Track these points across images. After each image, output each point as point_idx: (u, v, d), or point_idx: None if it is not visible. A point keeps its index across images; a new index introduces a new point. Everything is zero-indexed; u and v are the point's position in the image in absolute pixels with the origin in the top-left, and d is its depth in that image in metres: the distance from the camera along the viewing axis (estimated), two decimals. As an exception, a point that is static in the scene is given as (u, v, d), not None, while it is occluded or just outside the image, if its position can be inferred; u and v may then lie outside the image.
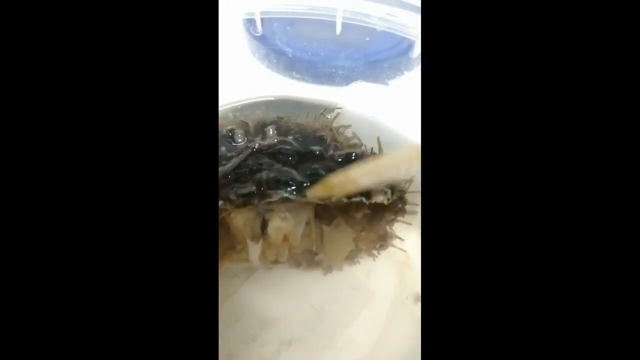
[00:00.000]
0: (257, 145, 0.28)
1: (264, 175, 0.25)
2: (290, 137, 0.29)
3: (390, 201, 0.26)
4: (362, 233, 0.28)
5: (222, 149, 0.28)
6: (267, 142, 0.28)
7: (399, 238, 0.29)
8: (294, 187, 0.25)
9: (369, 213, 0.27)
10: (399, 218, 0.28)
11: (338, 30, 0.36)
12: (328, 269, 0.30)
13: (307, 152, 0.28)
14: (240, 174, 0.26)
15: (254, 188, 0.25)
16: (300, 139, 0.28)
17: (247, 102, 0.38)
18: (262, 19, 0.39)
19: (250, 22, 0.40)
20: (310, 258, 0.29)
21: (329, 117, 0.32)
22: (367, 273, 0.30)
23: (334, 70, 0.40)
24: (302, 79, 0.40)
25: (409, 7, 0.33)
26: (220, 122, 0.31)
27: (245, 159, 0.27)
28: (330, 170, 0.26)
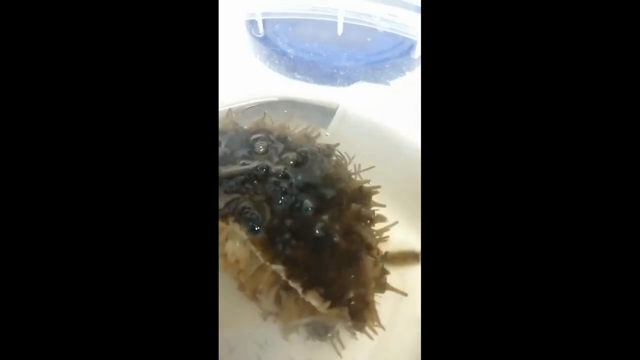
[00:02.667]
0: (264, 167, 0.26)
1: (239, 199, 0.24)
2: (299, 176, 0.26)
3: (329, 311, 0.22)
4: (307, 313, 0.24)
5: (242, 152, 0.27)
6: (275, 169, 0.26)
7: (342, 345, 0.25)
8: (256, 231, 0.24)
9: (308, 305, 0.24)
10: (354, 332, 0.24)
11: (340, 31, 0.36)
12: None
13: (297, 203, 0.25)
14: (229, 185, 0.25)
15: (223, 205, 0.24)
16: (303, 187, 0.26)
17: (248, 103, 0.38)
18: (263, 20, 0.39)
19: (252, 24, 0.40)
20: (254, 291, 0.27)
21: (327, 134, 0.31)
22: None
23: (335, 70, 0.40)
24: (304, 80, 0.40)
25: (411, 7, 0.33)
26: (249, 130, 0.29)
27: (245, 173, 0.26)
28: (301, 238, 0.23)
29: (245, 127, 0.30)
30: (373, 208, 0.27)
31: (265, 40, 0.41)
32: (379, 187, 0.27)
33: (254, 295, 0.26)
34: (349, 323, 0.23)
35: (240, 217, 0.24)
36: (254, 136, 0.29)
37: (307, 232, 0.24)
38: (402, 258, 0.26)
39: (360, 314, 0.23)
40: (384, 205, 0.27)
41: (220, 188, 0.26)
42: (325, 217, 0.24)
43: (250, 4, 0.36)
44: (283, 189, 0.25)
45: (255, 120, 0.30)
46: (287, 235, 0.23)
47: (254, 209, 0.24)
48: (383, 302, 0.27)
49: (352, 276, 0.23)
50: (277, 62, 0.41)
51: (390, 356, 0.26)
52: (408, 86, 0.39)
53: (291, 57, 0.40)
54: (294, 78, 0.41)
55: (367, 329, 0.23)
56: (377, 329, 0.24)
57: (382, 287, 0.25)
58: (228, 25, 0.37)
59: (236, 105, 0.37)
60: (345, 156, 0.29)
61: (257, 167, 0.26)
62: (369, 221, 0.25)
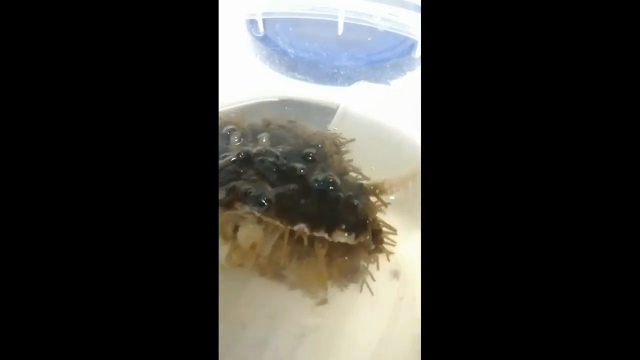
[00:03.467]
0: (244, 152, 0.28)
1: (237, 184, 0.26)
2: (280, 148, 0.29)
3: (357, 241, 0.26)
4: (333, 263, 0.27)
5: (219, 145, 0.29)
6: (255, 150, 0.28)
7: (372, 277, 0.28)
8: (264, 204, 0.25)
9: (336, 249, 0.27)
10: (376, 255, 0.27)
11: (340, 31, 0.36)
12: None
13: (289, 169, 0.28)
14: (221, 177, 0.27)
15: (224, 194, 0.26)
16: (287, 155, 0.28)
17: (249, 102, 0.38)
18: (264, 20, 0.39)
19: (252, 23, 0.40)
20: (276, 270, 0.28)
21: (335, 130, 0.33)
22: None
23: (336, 70, 0.40)
24: (305, 80, 0.40)
25: (411, 6, 0.33)
26: (220, 121, 0.31)
27: (230, 163, 0.27)
28: (307, 196, 0.26)
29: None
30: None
31: (265, 40, 0.41)
32: (353, 139, 0.31)
33: (278, 275, 0.28)
34: (372, 247, 0.26)
35: (246, 198, 0.26)
36: (225, 129, 0.31)
37: (308, 188, 0.27)
38: (402, 183, 0.29)
39: (378, 236, 0.27)
40: (352, 139, 0.31)
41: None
42: (317, 172, 0.27)
43: (250, 3, 0.36)
44: (271, 161, 0.27)
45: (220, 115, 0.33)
46: (294, 197, 0.26)
47: (255, 187, 0.26)
48: (383, 302, 0.27)
49: (361, 206, 0.26)
50: (277, 61, 0.41)
51: (390, 356, 0.26)
52: (408, 86, 0.39)
53: (291, 56, 0.40)
54: (295, 78, 0.40)
55: (384, 247, 0.27)
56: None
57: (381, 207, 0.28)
58: (228, 24, 0.37)
59: (236, 105, 0.37)
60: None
61: (238, 154, 0.28)
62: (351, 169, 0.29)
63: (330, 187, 0.27)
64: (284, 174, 0.27)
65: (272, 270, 0.28)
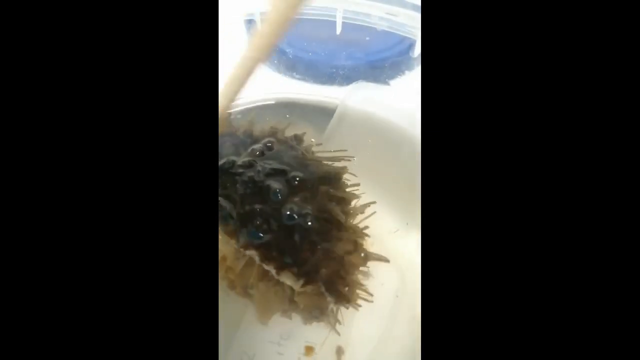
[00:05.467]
0: (230, 161, 0.27)
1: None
2: (267, 163, 0.26)
3: (304, 289, 0.23)
4: (303, 295, 0.25)
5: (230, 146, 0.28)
6: (241, 161, 0.27)
7: (338, 321, 0.26)
8: (229, 220, 0.24)
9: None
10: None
11: (338, 30, 0.36)
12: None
13: (264, 188, 0.25)
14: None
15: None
16: (270, 173, 0.26)
17: (248, 103, 0.38)
18: (262, 20, 0.39)
19: (250, 23, 0.40)
20: (245, 287, 0.27)
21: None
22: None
23: (334, 70, 0.40)
24: (303, 79, 0.40)
25: (410, 6, 0.33)
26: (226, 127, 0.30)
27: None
28: (272, 221, 0.24)
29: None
30: (349, 189, 0.27)
31: (263, 40, 0.40)
32: (346, 167, 0.28)
33: (246, 292, 0.27)
34: (329, 299, 0.24)
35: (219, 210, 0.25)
36: (223, 137, 0.29)
37: (278, 216, 0.24)
38: (376, 258, 0.26)
39: (335, 288, 0.24)
40: (357, 184, 0.28)
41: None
42: (296, 199, 0.25)
43: (248, 3, 0.36)
44: (249, 177, 0.25)
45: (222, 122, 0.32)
46: (258, 221, 0.24)
47: (224, 201, 0.25)
48: (383, 302, 0.27)
49: (322, 253, 0.24)
50: (276, 61, 0.41)
51: (390, 356, 0.26)
52: (407, 85, 0.39)
53: (290, 56, 0.40)
54: (293, 77, 0.40)
55: (353, 303, 0.24)
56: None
57: (363, 259, 0.25)
58: (226, 24, 0.37)
59: (236, 105, 0.37)
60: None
61: (224, 163, 0.27)
62: (338, 201, 0.26)
63: (301, 223, 0.24)
64: (259, 192, 0.25)
65: (241, 286, 0.27)
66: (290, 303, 0.25)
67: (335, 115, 0.35)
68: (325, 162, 0.28)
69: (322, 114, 0.36)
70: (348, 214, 0.26)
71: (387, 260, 0.26)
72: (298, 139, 0.30)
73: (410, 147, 0.33)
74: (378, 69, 0.40)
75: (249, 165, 0.26)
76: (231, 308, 0.27)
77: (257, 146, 0.28)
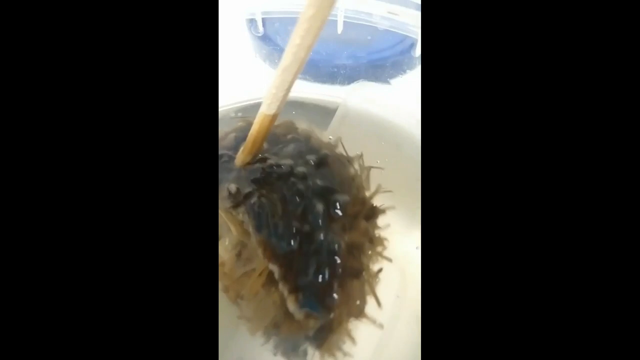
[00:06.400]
0: (276, 164, 0.26)
1: (254, 194, 0.24)
2: (302, 168, 0.25)
3: (306, 320, 0.22)
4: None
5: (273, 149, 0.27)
6: (283, 161, 0.26)
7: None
8: (263, 224, 0.23)
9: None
10: None
11: (339, 29, 0.36)
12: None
13: (308, 206, 0.24)
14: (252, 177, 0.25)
15: (234, 191, 0.25)
16: (319, 192, 0.25)
17: (248, 101, 0.38)
18: (263, 19, 0.39)
19: (251, 22, 0.40)
20: (237, 295, 0.26)
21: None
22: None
23: (335, 69, 0.40)
24: (304, 78, 0.40)
25: (411, 5, 0.33)
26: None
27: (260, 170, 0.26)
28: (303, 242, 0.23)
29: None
30: (382, 230, 0.26)
31: (265, 39, 0.40)
32: (392, 207, 0.26)
33: (236, 299, 0.26)
34: (310, 338, 0.23)
35: (252, 210, 0.24)
36: (288, 136, 0.28)
37: (311, 238, 0.23)
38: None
39: (323, 335, 0.23)
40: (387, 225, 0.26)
41: (245, 174, 0.26)
42: (334, 225, 0.24)
43: (250, 2, 0.36)
44: (298, 190, 0.24)
45: (284, 121, 0.30)
46: (291, 239, 0.23)
47: (267, 205, 0.24)
48: (384, 302, 0.27)
49: (336, 296, 0.22)
50: (277, 60, 0.40)
51: (390, 356, 0.26)
52: (409, 84, 0.39)
53: (290, 55, 0.40)
54: (293, 76, 0.40)
55: (328, 353, 0.23)
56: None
57: (359, 313, 0.24)
58: (228, 24, 0.37)
59: (235, 104, 0.37)
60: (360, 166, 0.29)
61: (282, 165, 0.26)
62: (369, 243, 0.25)
63: (328, 253, 0.23)
64: (301, 207, 0.24)
65: (235, 293, 0.26)
66: (275, 323, 0.24)
67: (336, 115, 0.35)
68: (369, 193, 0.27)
69: (323, 113, 0.36)
70: (371, 258, 0.25)
71: (381, 326, 0.24)
72: (351, 161, 0.29)
73: (411, 147, 0.33)
74: (379, 68, 0.40)
75: (303, 177, 0.25)
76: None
77: (313, 157, 0.27)
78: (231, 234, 0.26)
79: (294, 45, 0.19)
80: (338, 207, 0.24)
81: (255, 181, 0.25)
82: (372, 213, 0.26)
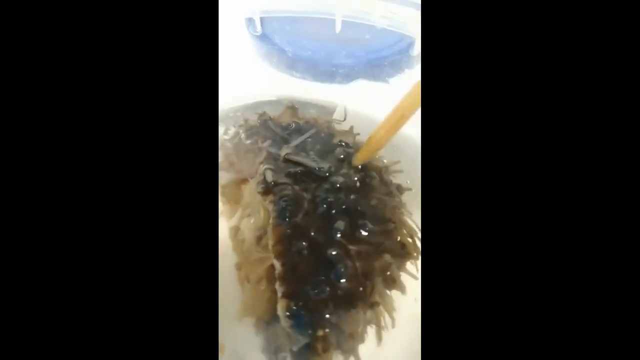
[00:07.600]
0: (320, 165, 0.25)
1: (287, 187, 0.24)
2: (339, 178, 0.24)
3: (291, 330, 0.21)
4: None
5: (322, 148, 0.27)
6: (324, 165, 0.25)
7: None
8: (285, 219, 0.23)
9: None
10: None
11: (338, 29, 0.36)
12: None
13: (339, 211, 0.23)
14: (290, 169, 0.25)
15: (272, 181, 0.24)
16: (353, 202, 0.24)
17: (246, 101, 0.38)
18: (262, 18, 0.39)
19: (250, 22, 0.40)
20: (244, 279, 0.26)
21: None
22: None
23: (334, 68, 0.40)
24: (303, 78, 0.40)
25: (409, 4, 0.33)
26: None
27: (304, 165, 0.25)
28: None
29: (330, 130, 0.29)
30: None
31: (263, 38, 0.40)
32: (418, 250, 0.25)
33: (244, 281, 0.26)
34: (294, 353, 0.22)
35: (279, 201, 0.23)
36: (339, 140, 0.28)
37: (322, 250, 0.22)
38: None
39: (306, 357, 0.22)
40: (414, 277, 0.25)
41: (284, 161, 0.25)
42: (352, 248, 0.22)
43: (248, 2, 0.36)
44: (327, 200, 0.24)
45: (339, 127, 0.30)
46: (304, 242, 0.22)
47: (293, 203, 0.23)
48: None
49: (334, 321, 0.21)
50: (275, 60, 0.41)
51: (390, 356, 0.26)
52: (407, 84, 0.39)
53: (290, 55, 0.40)
54: (293, 76, 0.40)
55: None
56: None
57: (350, 351, 0.23)
58: (226, 23, 0.37)
59: (235, 104, 0.37)
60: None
61: (322, 167, 0.25)
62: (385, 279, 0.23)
63: (335, 271, 0.21)
64: (326, 219, 0.23)
65: (246, 273, 0.26)
66: (266, 320, 0.24)
67: (335, 114, 0.35)
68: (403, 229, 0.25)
69: (322, 112, 0.36)
70: (379, 293, 0.23)
71: None
72: (400, 189, 0.27)
73: (410, 147, 0.33)
74: (378, 67, 0.40)
75: (337, 190, 0.24)
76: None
77: (357, 175, 0.26)
78: (259, 216, 0.25)
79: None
80: (364, 231, 0.23)
81: (289, 175, 0.25)
82: (401, 252, 0.24)
